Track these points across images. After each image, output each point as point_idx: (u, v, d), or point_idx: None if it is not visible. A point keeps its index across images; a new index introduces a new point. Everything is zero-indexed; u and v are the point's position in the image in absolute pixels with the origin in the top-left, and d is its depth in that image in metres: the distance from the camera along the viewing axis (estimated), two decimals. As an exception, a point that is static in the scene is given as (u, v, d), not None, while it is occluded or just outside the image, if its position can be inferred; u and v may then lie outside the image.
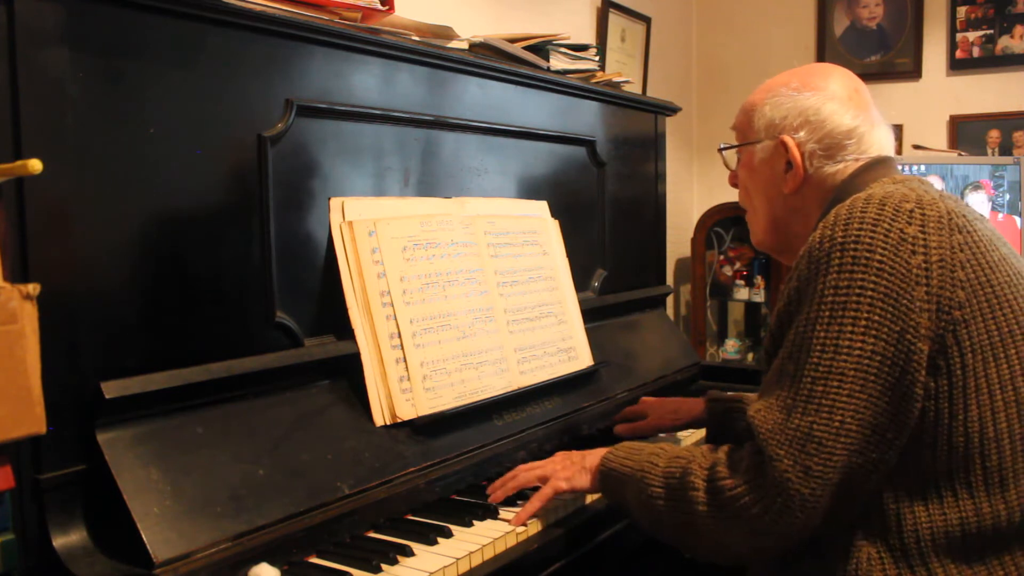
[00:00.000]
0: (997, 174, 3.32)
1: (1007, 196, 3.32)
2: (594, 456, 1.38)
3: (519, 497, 1.44)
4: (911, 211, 1.13)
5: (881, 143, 1.33)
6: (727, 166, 1.48)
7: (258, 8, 1.35)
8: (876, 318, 1.09)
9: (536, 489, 1.41)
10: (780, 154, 1.33)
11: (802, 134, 1.31)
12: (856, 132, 1.30)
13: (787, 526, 1.10)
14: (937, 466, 1.12)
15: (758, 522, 1.11)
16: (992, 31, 3.60)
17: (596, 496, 1.48)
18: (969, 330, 1.11)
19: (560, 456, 1.44)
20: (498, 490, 1.44)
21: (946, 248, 1.12)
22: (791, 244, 1.39)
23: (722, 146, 1.47)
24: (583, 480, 1.37)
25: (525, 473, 1.44)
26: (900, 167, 1.38)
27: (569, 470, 1.39)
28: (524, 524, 1.35)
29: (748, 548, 1.17)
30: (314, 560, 1.23)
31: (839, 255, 1.12)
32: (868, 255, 1.10)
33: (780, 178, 1.34)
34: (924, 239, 1.11)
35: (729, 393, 1.77)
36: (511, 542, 1.32)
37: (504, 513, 1.40)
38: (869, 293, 1.09)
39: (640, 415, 1.85)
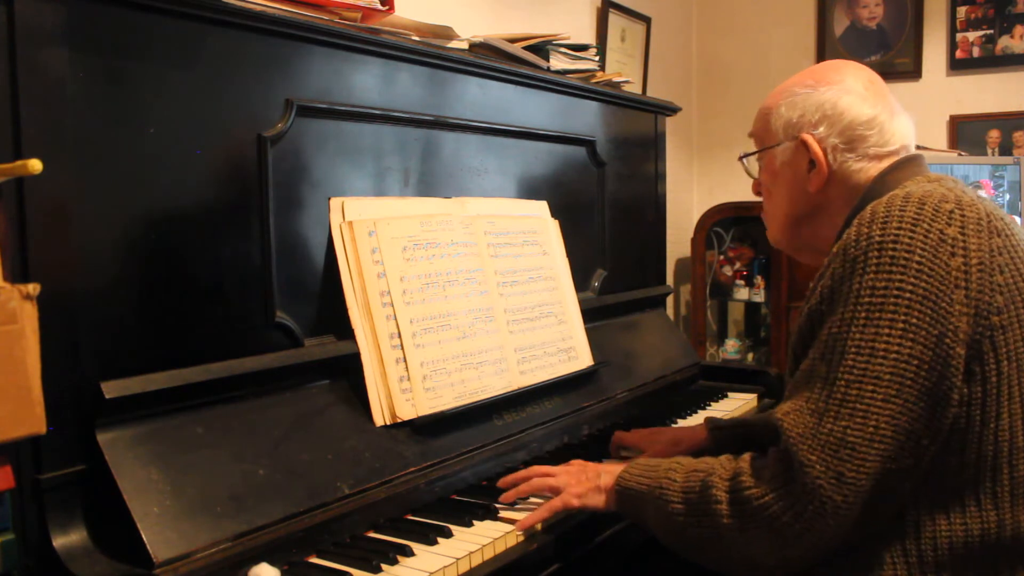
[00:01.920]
0: (997, 174, 3.32)
1: (1007, 196, 3.32)
2: (609, 475, 1.34)
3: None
4: (951, 212, 1.10)
5: (903, 132, 1.30)
6: (749, 174, 1.45)
7: (258, 8, 1.35)
8: (915, 320, 1.06)
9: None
10: (802, 153, 1.30)
11: (821, 129, 1.28)
12: (876, 121, 1.27)
13: (818, 534, 1.07)
14: (964, 474, 1.09)
15: (788, 530, 1.09)
16: (992, 31, 3.60)
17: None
18: (1006, 336, 1.08)
19: (576, 468, 1.42)
20: (510, 491, 1.42)
21: (985, 251, 1.09)
22: (811, 243, 1.36)
23: (742, 155, 1.45)
24: (597, 500, 1.35)
25: (539, 479, 1.41)
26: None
27: (583, 486, 1.36)
28: (528, 527, 1.34)
29: (776, 559, 1.13)
30: (314, 560, 1.23)
31: (877, 254, 1.09)
32: (907, 255, 1.07)
33: (804, 178, 1.31)
34: (964, 241, 1.08)
35: (727, 418, 1.72)
36: (511, 542, 1.32)
37: (505, 513, 1.40)
38: (907, 295, 1.07)
39: (635, 448, 1.72)
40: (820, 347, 1.13)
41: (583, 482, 1.37)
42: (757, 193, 1.45)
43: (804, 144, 1.30)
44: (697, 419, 2.00)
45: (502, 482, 1.45)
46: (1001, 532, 1.09)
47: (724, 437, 1.65)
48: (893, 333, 1.06)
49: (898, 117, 1.30)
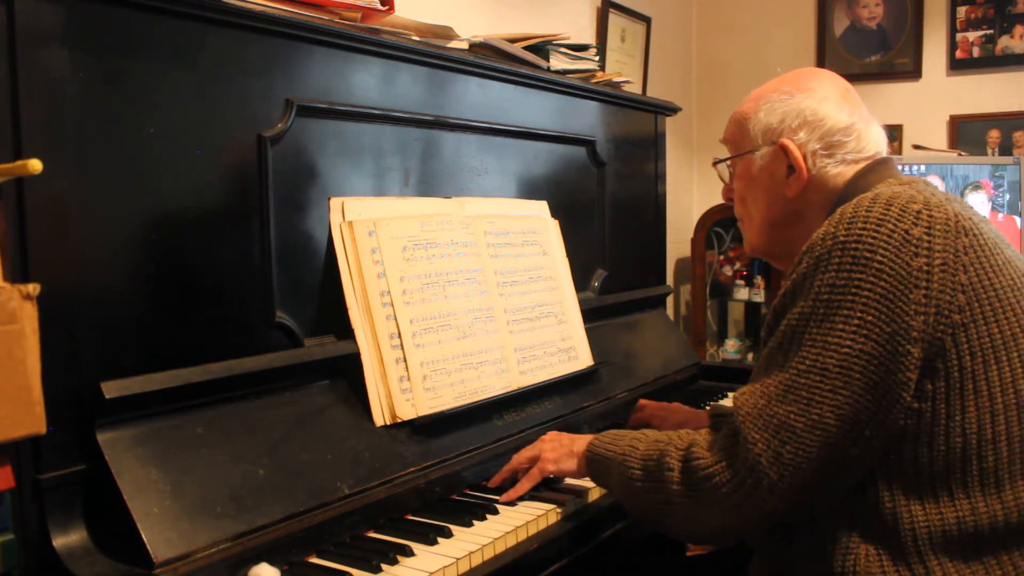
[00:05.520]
0: (997, 174, 3.32)
1: (1007, 196, 3.32)
2: (582, 441, 1.42)
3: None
4: (918, 212, 1.13)
5: (877, 141, 1.34)
6: (721, 179, 1.47)
7: (258, 8, 1.35)
8: (869, 318, 1.09)
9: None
10: (780, 158, 1.33)
11: (802, 135, 1.31)
12: (854, 128, 1.31)
13: (754, 507, 1.13)
14: (934, 466, 1.12)
15: (727, 500, 1.15)
16: (992, 31, 3.60)
17: (597, 496, 1.48)
18: (968, 333, 1.10)
19: (551, 436, 1.50)
20: (496, 476, 1.52)
21: (950, 251, 1.11)
22: (788, 248, 1.37)
23: (716, 159, 1.47)
24: (570, 464, 1.43)
25: (516, 456, 1.51)
26: (900, 167, 1.38)
27: (557, 451, 1.45)
28: (513, 503, 1.43)
29: (717, 525, 1.20)
30: (314, 560, 1.23)
31: (840, 254, 1.12)
32: (869, 255, 1.10)
33: (782, 183, 1.33)
34: (929, 241, 1.11)
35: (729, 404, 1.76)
36: (511, 542, 1.32)
37: (502, 509, 1.40)
38: (865, 293, 1.10)
39: (643, 423, 1.83)
40: (779, 337, 1.18)
41: (557, 448, 1.46)
42: (728, 200, 1.47)
43: (784, 149, 1.32)
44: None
45: (492, 482, 1.52)
46: (977, 521, 1.12)
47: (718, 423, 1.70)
48: (847, 329, 1.10)
49: (872, 125, 1.34)
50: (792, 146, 1.31)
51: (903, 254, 1.10)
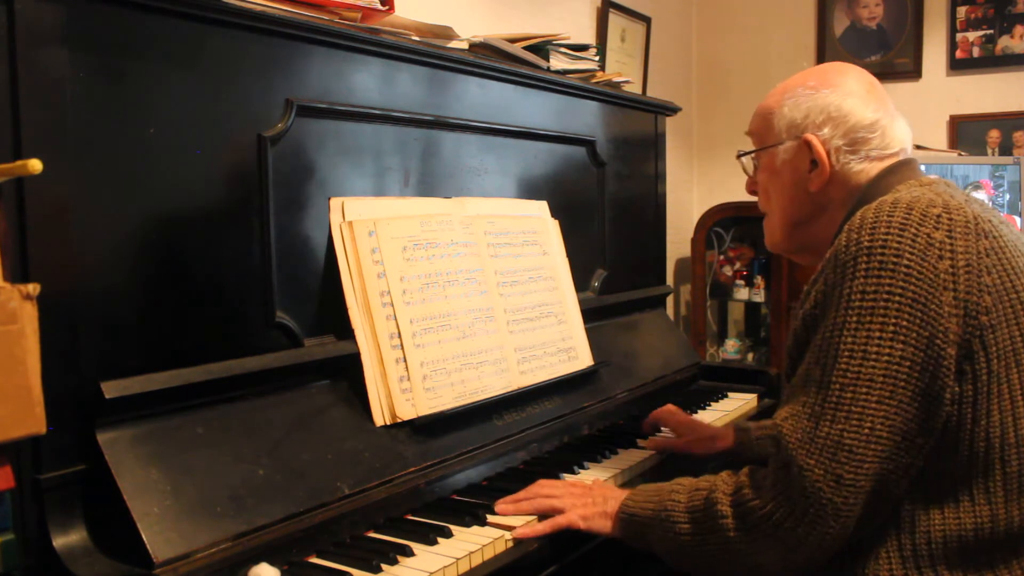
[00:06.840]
0: (997, 174, 3.32)
1: (1007, 196, 3.31)
2: (614, 501, 1.35)
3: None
4: (938, 216, 1.12)
5: (901, 137, 1.33)
6: (745, 172, 1.46)
7: (258, 8, 1.35)
8: (904, 323, 1.08)
9: None
10: (804, 153, 1.32)
11: (826, 131, 1.30)
12: (879, 125, 1.30)
13: (820, 537, 1.09)
14: (957, 471, 1.11)
15: (791, 536, 1.11)
16: (992, 31, 3.60)
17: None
18: (996, 335, 1.10)
19: (580, 489, 1.41)
20: (510, 506, 1.40)
21: (972, 253, 1.11)
22: (810, 244, 1.38)
23: (740, 153, 1.46)
24: (603, 524, 1.34)
25: (543, 500, 1.39)
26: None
27: (588, 509, 1.36)
28: (528, 537, 1.32)
29: (783, 565, 1.15)
30: (314, 560, 1.23)
31: (866, 259, 1.11)
32: (896, 260, 1.09)
33: (804, 178, 1.33)
34: (951, 244, 1.10)
35: (755, 423, 1.76)
36: (511, 542, 1.32)
37: (503, 520, 1.37)
38: (897, 298, 1.09)
39: (668, 426, 1.82)
40: (814, 352, 1.15)
41: (589, 505, 1.36)
42: (752, 192, 1.46)
43: (807, 144, 1.31)
44: (697, 419, 1.99)
45: (502, 502, 1.41)
46: (995, 527, 1.11)
47: (748, 440, 1.69)
48: (884, 336, 1.08)
49: (897, 121, 1.33)
50: (816, 141, 1.30)
51: (929, 257, 1.09)
